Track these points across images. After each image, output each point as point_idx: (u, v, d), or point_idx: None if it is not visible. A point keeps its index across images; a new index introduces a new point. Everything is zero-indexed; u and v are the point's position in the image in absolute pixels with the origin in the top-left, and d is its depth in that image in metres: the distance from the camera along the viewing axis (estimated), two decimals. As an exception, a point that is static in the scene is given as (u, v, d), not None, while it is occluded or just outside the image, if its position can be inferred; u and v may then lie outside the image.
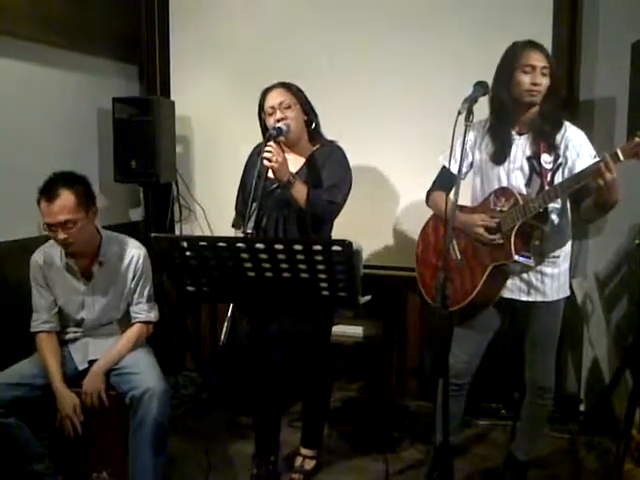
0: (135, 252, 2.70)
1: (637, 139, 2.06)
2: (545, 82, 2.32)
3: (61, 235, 2.45)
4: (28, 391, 2.51)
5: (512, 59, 2.36)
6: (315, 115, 2.70)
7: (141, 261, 2.69)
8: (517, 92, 2.35)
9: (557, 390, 2.64)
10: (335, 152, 2.69)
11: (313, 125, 2.68)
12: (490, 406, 3.45)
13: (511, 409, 3.27)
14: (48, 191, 2.43)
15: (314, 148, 2.70)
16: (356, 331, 3.66)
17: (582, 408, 3.36)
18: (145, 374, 2.52)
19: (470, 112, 2.12)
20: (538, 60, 2.32)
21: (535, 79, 2.31)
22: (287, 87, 2.64)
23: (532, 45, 2.35)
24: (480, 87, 2.21)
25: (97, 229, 2.66)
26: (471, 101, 2.14)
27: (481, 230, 2.41)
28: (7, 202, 3.04)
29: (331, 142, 2.72)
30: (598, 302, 3.32)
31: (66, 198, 2.43)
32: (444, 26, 3.31)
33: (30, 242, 3.00)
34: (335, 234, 2.73)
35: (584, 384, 3.39)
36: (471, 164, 2.55)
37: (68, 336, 2.71)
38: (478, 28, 3.23)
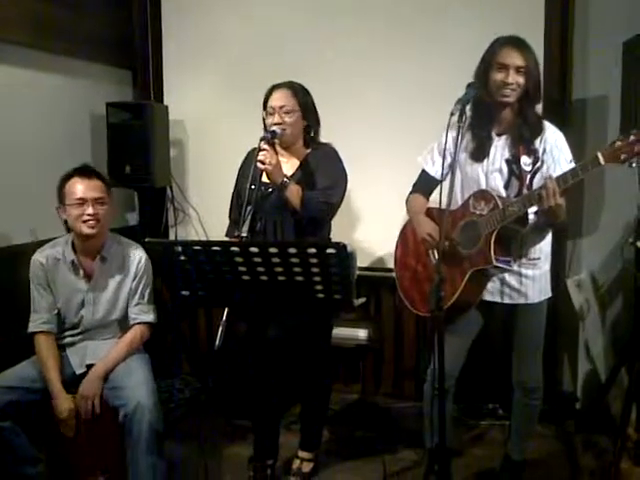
0: (137, 253, 2.72)
1: (618, 143, 2.06)
2: (519, 81, 2.28)
3: (91, 210, 2.56)
4: (25, 394, 2.50)
5: (489, 56, 2.32)
6: (316, 122, 2.69)
7: (143, 262, 2.71)
8: (491, 90, 2.31)
9: (553, 389, 2.65)
10: (329, 153, 2.69)
11: (312, 132, 2.68)
12: (487, 407, 3.45)
13: (508, 409, 3.28)
14: (85, 171, 2.61)
15: (308, 150, 2.70)
16: (354, 334, 3.66)
17: (578, 407, 3.37)
18: (135, 388, 2.49)
19: (463, 113, 2.12)
20: (514, 59, 2.27)
21: (507, 78, 2.27)
22: (294, 90, 2.62)
23: (511, 43, 2.30)
24: (472, 88, 2.22)
25: None
26: (464, 102, 2.14)
27: (427, 237, 2.42)
28: (0, 207, 3.03)
29: (325, 144, 2.72)
30: (593, 301, 3.33)
31: (99, 181, 2.62)
32: (437, 28, 3.33)
33: (23, 248, 3.01)
34: (335, 237, 2.73)
35: (580, 383, 3.40)
36: (450, 165, 2.53)
37: (66, 340, 2.71)
38: (471, 28, 3.22)
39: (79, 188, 2.56)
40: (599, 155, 2.07)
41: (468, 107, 2.21)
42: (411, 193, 2.62)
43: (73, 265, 2.66)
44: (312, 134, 2.70)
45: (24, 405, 2.49)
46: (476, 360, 2.64)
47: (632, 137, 2.04)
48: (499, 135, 2.41)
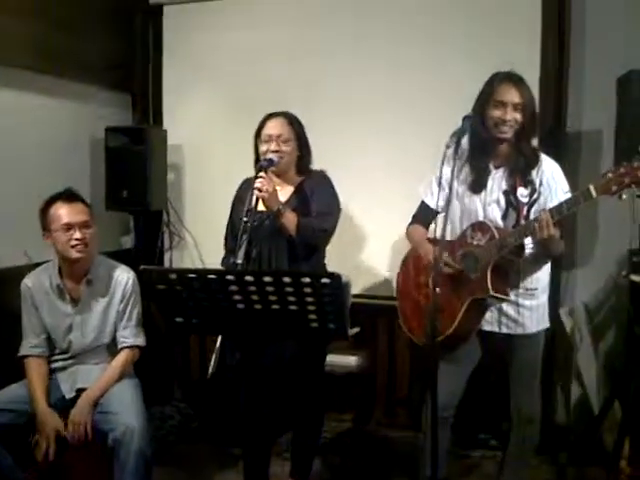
0: (124, 275, 2.72)
1: (609, 175, 2.10)
2: (517, 118, 2.32)
3: (78, 234, 2.56)
4: (15, 417, 2.49)
5: (487, 93, 2.36)
6: (308, 152, 2.73)
7: (130, 283, 2.71)
8: (489, 126, 2.35)
9: (546, 420, 2.64)
10: (323, 180, 2.72)
11: (303, 161, 2.71)
12: (480, 437, 3.43)
13: (500, 439, 3.26)
14: (68, 195, 2.61)
15: (301, 177, 2.72)
16: (347, 361, 3.64)
17: (571, 438, 3.35)
18: (125, 413, 2.48)
19: (458, 145, 2.15)
20: (511, 96, 2.31)
21: (505, 115, 2.31)
22: (289, 120, 2.67)
23: (509, 79, 2.34)
24: (468, 121, 2.24)
25: None
26: (459, 135, 2.17)
27: (446, 268, 2.40)
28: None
29: (318, 171, 2.75)
30: (586, 332, 3.33)
31: (83, 205, 2.63)
32: (432, 58, 3.36)
33: (18, 271, 3.00)
34: (329, 264, 2.74)
35: (573, 414, 3.39)
36: (447, 197, 2.55)
37: (57, 364, 2.70)
38: (467, 60, 3.26)
39: (64, 213, 2.56)
40: (591, 187, 2.11)
41: (464, 140, 2.24)
42: (410, 224, 2.64)
43: (59, 289, 2.66)
44: (305, 163, 2.73)
45: (12, 427, 2.48)
46: (469, 390, 2.63)
47: (622, 169, 2.08)
48: (497, 167, 2.44)
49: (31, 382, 2.57)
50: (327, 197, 2.68)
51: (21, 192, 3.14)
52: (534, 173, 2.39)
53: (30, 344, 2.66)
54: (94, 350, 2.71)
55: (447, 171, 2.37)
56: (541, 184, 2.38)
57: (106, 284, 2.70)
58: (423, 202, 2.58)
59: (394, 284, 3.29)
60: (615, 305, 3.28)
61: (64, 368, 2.70)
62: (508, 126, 2.33)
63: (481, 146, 2.42)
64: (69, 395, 2.63)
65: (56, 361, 2.70)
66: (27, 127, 3.24)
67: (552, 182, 2.38)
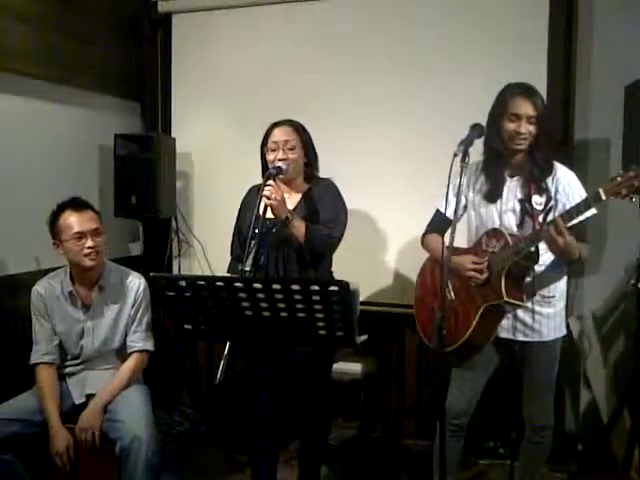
0: (136, 281, 2.74)
1: (618, 178, 2.11)
2: (531, 130, 2.35)
3: (90, 242, 2.56)
4: (26, 427, 2.49)
5: (501, 105, 2.39)
6: (315, 158, 2.75)
7: (141, 289, 2.72)
8: (504, 138, 2.38)
9: (555, 429, 2.63)
10: (330, 188, 2.73)
11: (311, 168, 2.73)
12: (488, 445, 3.42)
13: (509, 447, 3.25)
14: (78, 204, 2.60)
15: (309, 185, 2.74)
16: (354, 368, 3.64)
17: (580, 447, 3.34)
18: (133, 421, 2.48)
19: (466, 154, 2.15)
20: (525, 109, 2.33)
21: (520, 128, 2.33)
22: (295, 127, 2.69)
23: (521, 92, 2.36)
24: (476, 130, 2.25)
25: None
26: (467, 143, 2.17)
27: (472, 273, 2.43)
28: (7, 236, 3.07)
29: (325, 179, 2.77)
30: (595, 341, 3.32)
31: (92, 213, 2.62)
32: (440, 69, 3.37)
33: (27, 277, 3.02)
34: (336, 271, 2.75)
35: (582, 423, 3.37)
36: (465, 207, 2.57)
37: (67, 370, 2.71)
38: (474, 71, 3.28)
39: (74, 222, 2.56)
40: (600, 191, 2.13)
41: (471, 149, 2.24)
42: (426, 233, 2.65)
43: (71, 296, 2.68)
44: (312, 170, 2.74)
45: (24, 437, 2.48)
46: (479, 399, 2.63)
47: (631, 173, 2.10)
48: (511, 177, 2.46)
49: (42, 393, 2.57)
50: (334, 204, 2.69)
51: (31, 198, 3.16)
52: (549, 181, 2.40)
53: (41, 351, 2.66)
54: (104, 355, 2.72)
55: (463, 181, 2.40)
56: (557, 192, 2.40)
57: (118, 290, 2.71)
58: (438, 211, 2.59)
59: (402, 291, 3.33)
60: (624, 313, 3.27)
61: (73, 374, 2.71)
62: (522, 139, 2.35)
63: (496, 157, 2.44)
64: (79, 401, 2.64)
65: (65, 367, 2.71)
66: (37, 134, 3.27)
67: (568, 189, 2.39)
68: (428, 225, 2.65)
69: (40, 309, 2.68)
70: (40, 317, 2.68)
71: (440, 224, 2.56)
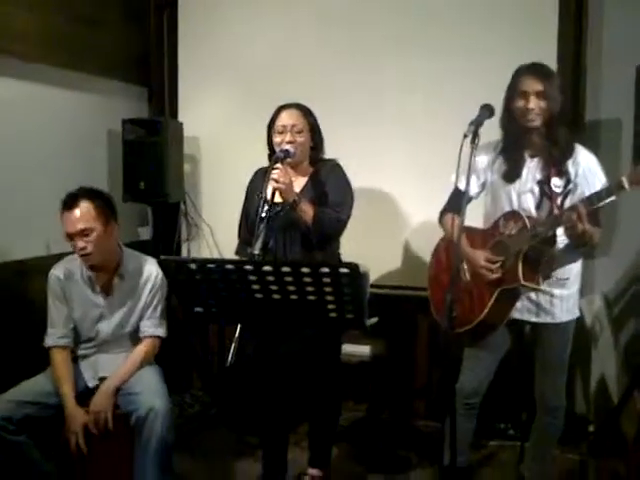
0: (154, 269, 2.75)
1: None
2: (541, 105, 2.33)
3: (80, 244, 2.53)
4: (41, 409, 2.52)
5: (511, 86, 2.40)
6: (321, 142, 2.74)
7: (159, 277, 2.74)
8: (517, 117, 2.38)
9: (566, 411, 2.63)
10: (335, 170, 2.72)
11: (317, 151, 2.72)
12: (498, 426, 3.42)
13: (519, 429, 3.26)
14: (69, 202, 2.54)
15: (314, 167, 2.73)
16: (363, 351, 3.66)
17: (591, 429, 3.34)
18: (149, 394, 2.52)
19: (476, 135, 2.14)
20: (532, 85, 2.33)
21: (528, 104, 2.33)
22: (303, 110, 2.67)
23: (530, 70, 2.36)
24: (486, 110, 2.23)
25: (119, 245, 2.73)
26: (477, 124, 2.16)
27: (484, 271, 2.43)
28: (16, 221, 3.08)
29: (330, 160, 2.76)
30: (606, 322, 3.31)
31: (85, 208, 2.54)
32: (452, 49, 3.34)
33: (38, 261, 3.04)
34: (344, 253, 2.75)
35: (593, 404, 3.37)
36: (483, 185, 2.57)
37: (80, 352, 2.74)
38: (485, 51, 3.26)
39: (65, 223, 2.54)
40: (624, 179, 2.11)
41: (481, 129, 2.22)
42: (443, 211, 2.65)
43: (90, 281, 2.69)
44: (317, 154, 2.74)
45: (39, 420, 2.51)
46: (491, 379, 2.64)
47: None
48: (532, 157, 2.45)
49: (58, 376, 2.59)
50: (341, 186, 2.68)
51: (40, 184, 3.18)
52: (569, 164, 2.38)
53: (56, 335, 2.68)
54: (117, 339, 2.74)
55: (482, 159, 2.47)
56: (577, 175, 2.38)
57: (137, 277, 2.73)
58: (456, 188, 2.56)
59: (412, 273, 3.33)
60: (635, 295, 3.26)
61: (86, 356, 2.74)
62: (534, 114, 2.34)
63: (513, 137, 2.44)
64: (92, 384, 2.67)
65: (79, 349, 2.74)
66: (45, 120, 3.27)
67: (588, 173, 2.37)
68: (447, 202, 2.64)
69: (57, 293, 2.69)
70: (57, 300, 2.69)
71: (458, 202, 2.55)
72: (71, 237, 2.55)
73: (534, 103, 2.33)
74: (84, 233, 2.53)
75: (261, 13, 3.71)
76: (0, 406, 2.45)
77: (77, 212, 2.52)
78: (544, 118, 2.35)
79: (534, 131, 2.39)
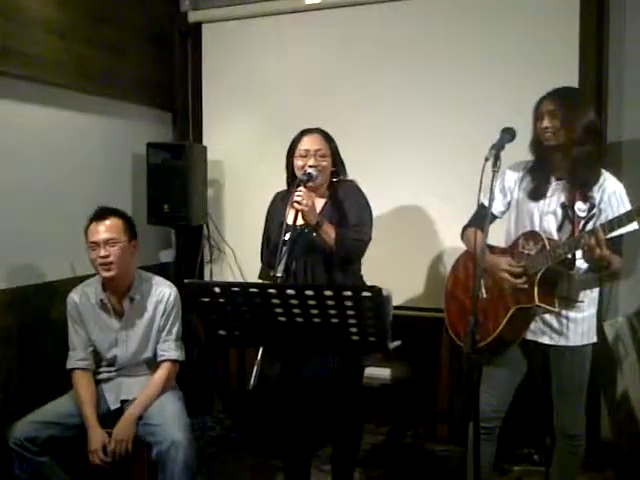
0: (166, 291, 2.77)
1: None
2: (555, 124, 2.35)
3: (102, 252, 2.59)
4: (63, 430, 2.56)
5: (534, 111, 2.45)
6: (343, 168, 2.77)
7: (172, 299, 2.75)
8: (539, 138, 2.43)
9: (592, 436, 2.59)
10: (352, 190, 2.74)
11: (338, 175, 2.74)
12: (522, 451, 3.38)
13: (544, 454, 3.21)
14: (99, 214, 2.66)
15: (331, 188, 2.75)
16: (384, 373, 3.64)
17: (619, 455, 3.28)
18: (170, 426, 2.52)
19: (497, 158, 2.14)
20: (545, 105, 2.39)
21: (543, 123, 2.38)
22: (326, 136, 2.71)
23: (548, 93, 2.43)
24: (507, 134, 2.24)
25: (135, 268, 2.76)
26: (498, 148, 2.16)
27: (505, 275, 2.42)
28: (44, 244, 3.13)
29: (347, 180, 2.78)
30: (631, 345, 3.26)
31: (113, 221, 2.65)
32: (474, 73, 3.37)
33: (63, 283, 3.09)
34: (365, 274, 2.76)
35: (618, 430, 3.31)
36: (509, 204, 2.58)
37: (101, 376, 2.77)
38: (508, 74, 3.28)
39: (91, 232, 2.62)
40: None
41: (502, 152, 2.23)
42: (467, 227, 2.65)
43: (103, 304, 2.72)
44: (338, 177, 2.76)
45: (62, 440, 2.54)
46: (512, 402, 2.61)
47: None
48: (558, 180, 2.45)
49: (79, 397, 2.63)
50: (360, 206, 2.69)
51: (66, 206, 3.23)
52: (595, 189, 2.38)
53: (77, 357, 2.73)
54: (137, 364, 2.77)
55: (509, 179, 2.51)
56: (602, 201, 2.37)
57: (148, 300, 2.75)
58: (482, 205, 2.54)
59: (434, 295, 3.32)
60: (660, 318, 3.22)
61: (109, 379, 2.77)
62: (549, 133, 2.37)
63: (540, 158, 2.48)
64: (114, 406, 2.70)
65: (101, 373, 2.77)
66: (71, 145, 3.34)
67: (614, 200, 2.36)
68: (470, 218, 2.65)
69: (75, 316, 2.74)
70: (75, 324, 2.74)
71: (482, 219, 2.54)
72: (95, 246, 2.60)
73: (547, 122, 2.37)
74: (110, 242, 2.60)
75: (283, 38, 3.77)
76: (25, 427, 2.49)
77: (107, 222, 2.63)
78: (559, 138, 2.36)
79: (557, 152, 2.40)
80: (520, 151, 2.44)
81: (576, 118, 2.36)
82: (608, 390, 3.35)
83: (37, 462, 2.47)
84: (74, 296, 2.75)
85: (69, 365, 2.72)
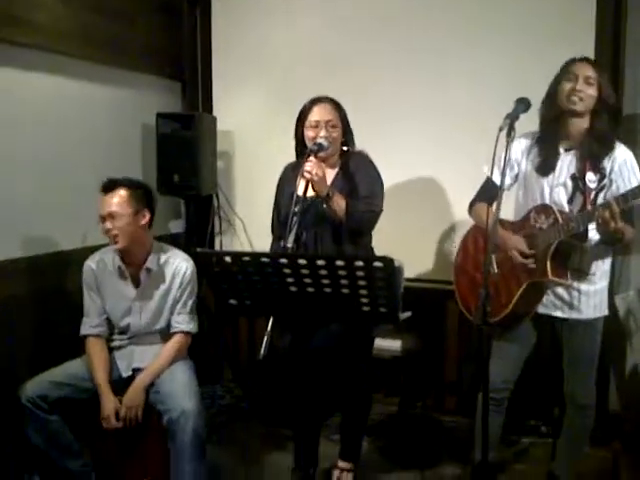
0: (183, 264, 2.77)
1: None
2: (589, 92, 2.31)
3: (107, 225, 2.61)
4: (74, 392, 2.60)
5: (562, 70, 2.39)
6: (352, 136, 2.74)
7: (189, 272, 2.76)
8: (559, 100, 2.35)
9: (599, 408, 2.60)
10: (364, 161, 2.71)
11: (348, 145, 2.72)
12: (530, 423, 3.40)
13: (551, 426, 3.23)
14: (105, 186, 2.65)
15: (342, 159, 2.72)
16: (394, 345, 3.65)
17: (626, 427, 3.29)
18: (180, 395, 2.54)
19: (511, 128, 2.11)
20: (583, 69, 2.32)
21: (576, 86, 2.31)
22: (336, 106, 2.67)
23: (583, 58, 2.36)
24: (522, 104, 2.20)
25: (150, 238, 2.76)
26: (512, 117, 2.13)
27: (515, 253, 2.41)
28: (55, 214, 3.14)
29: (358, 151, 2.75)
30: (641, 319, 3.26)
31: (118, 193, 2.62)
32: (492, 45, 3.32)
33: (75, 252, 3.11)
34: (375, 246, 2.75)
35: (627, 402, 3.32)
36: (516, 176, 2.55)
37: (114, 344, 2.79)
38: (524, 47, 3.23)
39: (99, 204, 2.63)
40: None
41: (517, 123, 2.20)
42: (474, 201, 2.63)
43: (120, 271, 2.74)
44: (348, 147, 2.73)
45: (72, 402, 2.58)
46: (520, 375, 2.62)
47: None
48: (567, 150, 2.42)
49: (92, 364, 2.66)
50: (371, 178, 2.67)
51: (77, 177, 3.23)
52: (606, 160, 2.35)
53: (91, 324, 2.75)
54: (149, 333, 2.78)
55: (516, 150, 2.46)
56: (612, 171, 2.34)
57: (165, 272, 2.75)
58: (489, 180, 2.54)
59: (444, 267, 3.32)
60: (672, 292, 3.20)
61: (121, 347, 2.79)
62: (578, 97, 2.31)
63: (551, 125, 2.41)
64: (126, 374, 2.73)
65: (113, 340, 2.80)
66: (80, 115, 3.31)
67: (625, 170, 2.34)
68: (477, 192, 2.62)
69: (91, 283, 2.75)
70: (91, 291, 2.76)
71: (490, 193, 2.52)
72: (101, 218, 2.62)
73: (581, 86, 2.31)
74: (112, 216, 2.60)
75: (295, 7, 3.71)
76: (37, 385, 2.54)
77: (110, 195, 2.61)
78: (587, 105, 2.32)
79: (574, 119, 2.36)
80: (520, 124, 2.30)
81: (609, 94, 2.33)
82: (618, 363, 3.35)
83: (48, 420, 2.52)
84: (91, 263, 2.77)
85: (83, 331, 2.74)
